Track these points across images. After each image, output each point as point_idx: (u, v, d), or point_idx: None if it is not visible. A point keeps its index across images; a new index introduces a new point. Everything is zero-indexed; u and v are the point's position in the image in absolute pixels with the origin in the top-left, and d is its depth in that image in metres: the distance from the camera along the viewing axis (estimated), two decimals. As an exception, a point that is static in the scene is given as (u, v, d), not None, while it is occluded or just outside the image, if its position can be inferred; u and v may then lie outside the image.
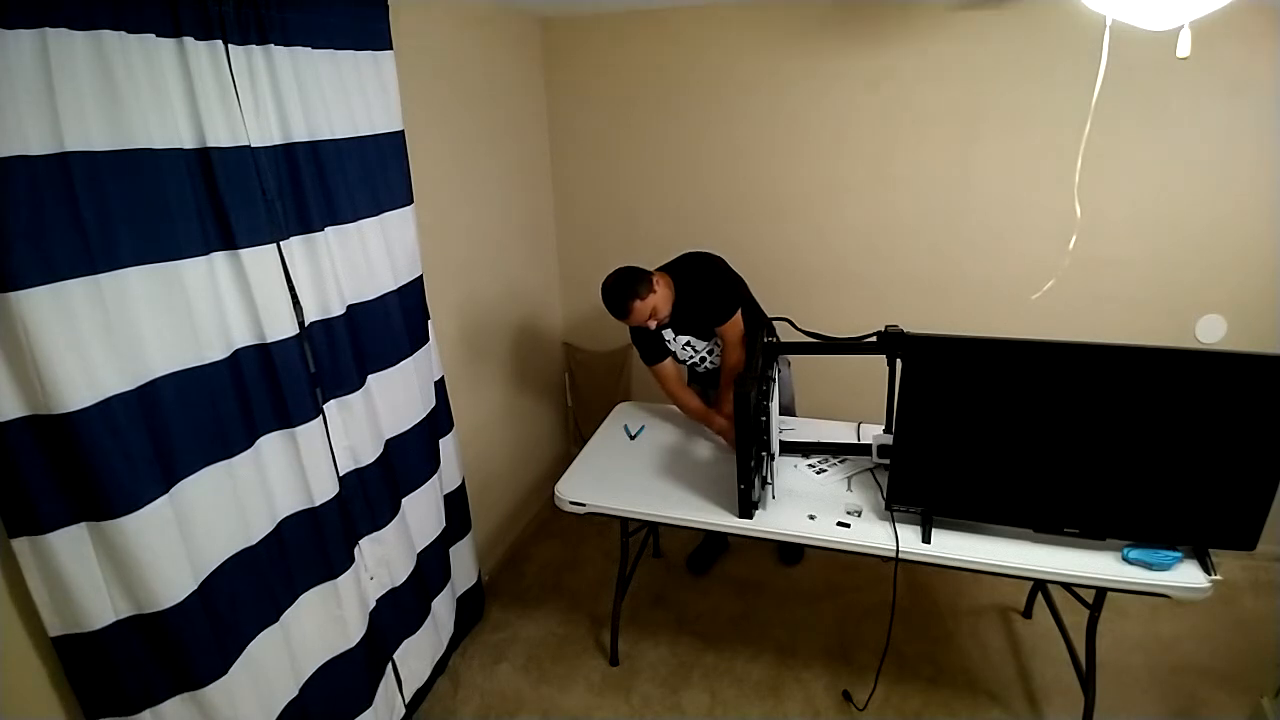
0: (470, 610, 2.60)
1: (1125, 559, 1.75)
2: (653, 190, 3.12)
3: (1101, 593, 1.88)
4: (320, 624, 1.80)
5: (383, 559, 2.01)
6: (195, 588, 1.42)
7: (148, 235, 1.30)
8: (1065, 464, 1.74)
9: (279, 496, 1.66)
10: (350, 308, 1.80)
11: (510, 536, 3.12)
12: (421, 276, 2.11)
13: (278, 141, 1.55)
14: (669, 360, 2.47)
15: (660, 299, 2.19)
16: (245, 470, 1.55)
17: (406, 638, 2.16)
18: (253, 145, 1.48)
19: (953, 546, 1.86)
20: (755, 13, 2.72)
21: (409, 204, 2.01)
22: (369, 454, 1.90)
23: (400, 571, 2.08)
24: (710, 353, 2.50)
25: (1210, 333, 2.66)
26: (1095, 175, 2.52)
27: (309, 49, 1.59)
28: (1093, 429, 1.69)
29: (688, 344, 2.46)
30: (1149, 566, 1.72)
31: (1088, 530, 1.80)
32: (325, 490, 1.75)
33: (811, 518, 2.00)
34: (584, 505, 2.17)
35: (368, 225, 1.83)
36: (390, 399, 1.98)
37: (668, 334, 2.42)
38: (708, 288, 2.30)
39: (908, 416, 1.82)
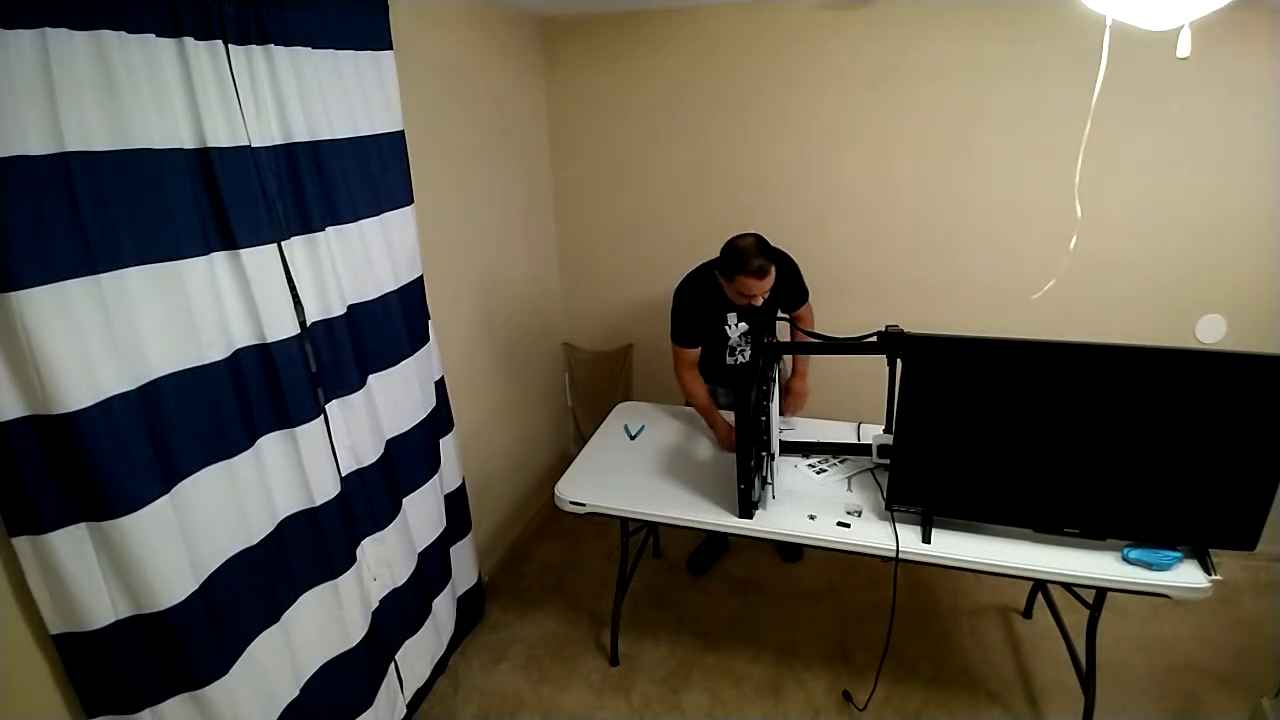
0: (471, 610, 2.60)
1: (1125, 559, 1.75)
2: (653, 189, 3.12)
3: (1101, 593, 1.88)
4: (321, 624, 1.80)
5: (384, 559, 2.01)
6: (196, 588, 1.42)
7: (148, 235, 1.30)
8: (1065, 464, 1.74)
9: (280, 496, 1.66)
10: (351, 307, 1.80)
11: (510, 536, 3.12)
12: (422, 276, 2.11)
13: (278, 141, 1.55)
14: (699, 349, 2.44)
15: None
16: (246, 470, 1.55)
17: (408, 638, 2.17)
18: (253, 145, 1.48)
19: (953, 546, 1.86)
20: (756, 12, 2.72)
21: (409, 204, 2.01)
22: (370, 454, 1.91)
23: (401, 572, 2.08)
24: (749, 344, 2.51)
25: (1210, 333, 2.66)
26: (1095, 175, 2.52)
27: (309, 49, 1.59)
28: (1093, 429, 1.69)
29: (745, 333, 2.46)
30: (1149, 566, 1.72)
31: (1088, 530, 1.80)
32: (326, 490, 1.75)
33: (811, 518, 2.01)
34: (584, 505, 2.17)
35: (368, 225, 1.83)
36: (391, 399, 1.99)
37: (731, 319, 2.42)
38: (789, 272, 2.36)
39: (908, 416, 1.82)
